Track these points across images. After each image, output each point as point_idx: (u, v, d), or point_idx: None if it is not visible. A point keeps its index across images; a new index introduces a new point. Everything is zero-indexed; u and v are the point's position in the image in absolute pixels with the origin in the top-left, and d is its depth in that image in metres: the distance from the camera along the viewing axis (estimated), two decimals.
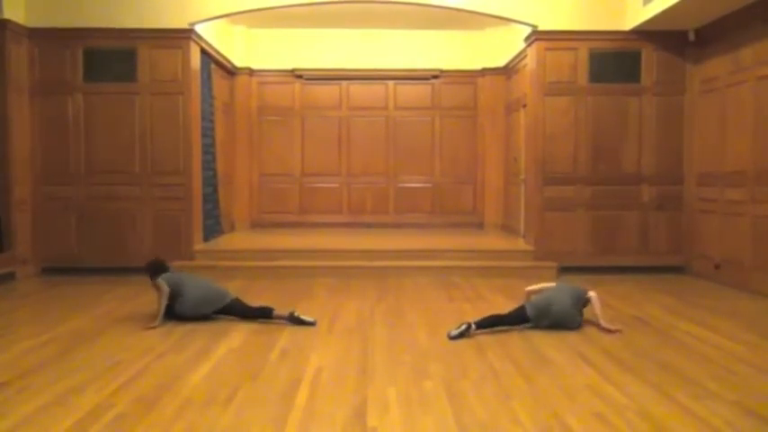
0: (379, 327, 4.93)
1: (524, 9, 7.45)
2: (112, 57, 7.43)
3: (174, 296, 5.03)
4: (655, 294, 6.23)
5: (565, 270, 7.25)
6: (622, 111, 7.51)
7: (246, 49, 9.96)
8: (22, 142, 7.22)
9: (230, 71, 9.79)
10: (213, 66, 8.78)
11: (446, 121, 10.22)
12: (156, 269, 5.12)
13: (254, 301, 5.83)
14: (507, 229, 9.65)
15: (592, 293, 4.89)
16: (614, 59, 7.46)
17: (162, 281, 5.03)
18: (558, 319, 4.76)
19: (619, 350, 4.25)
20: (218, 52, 8.78)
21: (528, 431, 2.94)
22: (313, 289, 6.48)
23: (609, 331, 4.67)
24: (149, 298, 5.95)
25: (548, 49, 7.49)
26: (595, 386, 3.53)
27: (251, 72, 10.09)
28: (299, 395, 3.38)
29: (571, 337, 4.56)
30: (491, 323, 4.72)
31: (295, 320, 4.96)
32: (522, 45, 8.14)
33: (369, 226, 10.05)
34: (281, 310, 5.07)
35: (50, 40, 7.36)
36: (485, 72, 10.00)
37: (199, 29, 7.67)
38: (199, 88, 7.84)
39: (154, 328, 4.83)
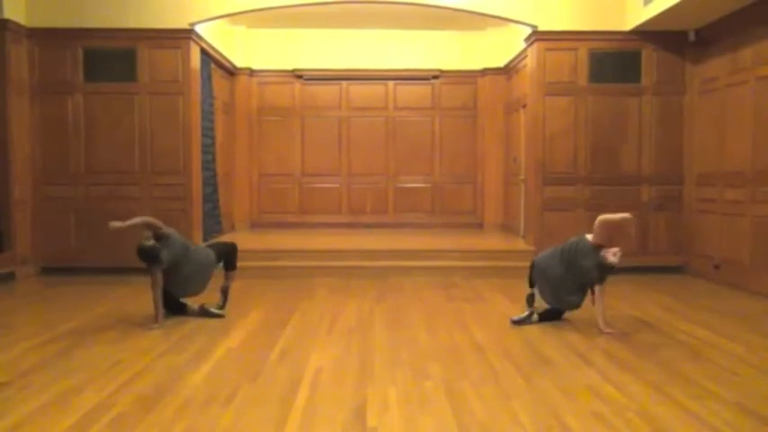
0: (378, 327, 4.94)
1: (524, 9, 7.45)
2: (112, 57, 7.43)
3: (168, 273, 4.98)
4: (654, 294, 6.23)
5: None
6: (622, 111, 7.51)
7: (246, 49, 9.95)
8: (21, 142, 7.22)
9: (230, 71, 9.79)
10: (213, 66, 8.78)
11: (446, 122, 10.21)
12: (152, 257, 4.90)
13: (255, 302, 5.84)
14: (507, 229, 9.65)
15: (596, 289, 4.72)
16: (614, 60, 7.46)
17: (159, 269, 4.87)
18: (552, 288, 4.84)
19: (619, 350, 4.25)
20: (218, 52, 8.77)
21: (528, 431, 2.94)
22: (313, 289, 6.48)
23: (608, 333, 4.67)
24: (148, 298, 5.95)
25: (548, 49, 7.49)
26: (595, 386, 3.53)
27: (251, 72, 10.08)
28: (298, 395, 3.38)
29: (571, 337, 4.56)
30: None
31: (204, 313, 5.19)
32: (523, 45, 8.14)
33: (368, 226, 10.05)
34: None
35: (50, 39, 7.36)
36: (485, 72, 10.00)
37: (199, 29, 7.66)
38: (199, 88, 7.84)
39: (154, 329, 4.83)
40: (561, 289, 4.88)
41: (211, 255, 5.27)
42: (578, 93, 7.51)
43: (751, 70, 6.33)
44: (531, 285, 5.15)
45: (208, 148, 8.33)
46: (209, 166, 8.38)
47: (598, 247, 4.72)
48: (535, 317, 4.97)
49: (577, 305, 4.93)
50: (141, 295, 6.07)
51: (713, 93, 7.03)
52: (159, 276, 4.92)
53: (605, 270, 4.68)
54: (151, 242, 4.92)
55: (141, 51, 7.43)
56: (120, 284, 6.67)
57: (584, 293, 4.90)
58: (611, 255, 4.63)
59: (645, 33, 7.35)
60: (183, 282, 5.11)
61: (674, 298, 6.07)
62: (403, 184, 10.26)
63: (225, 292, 5.34)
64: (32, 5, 7.29)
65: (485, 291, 6.38)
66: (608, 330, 4.66)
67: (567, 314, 5.07)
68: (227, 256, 5.41)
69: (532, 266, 5.11)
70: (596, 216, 7.36)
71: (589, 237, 4.85)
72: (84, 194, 7.48)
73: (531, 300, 5.11)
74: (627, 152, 7.54)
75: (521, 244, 8.10)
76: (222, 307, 5.28)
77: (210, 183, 8.47)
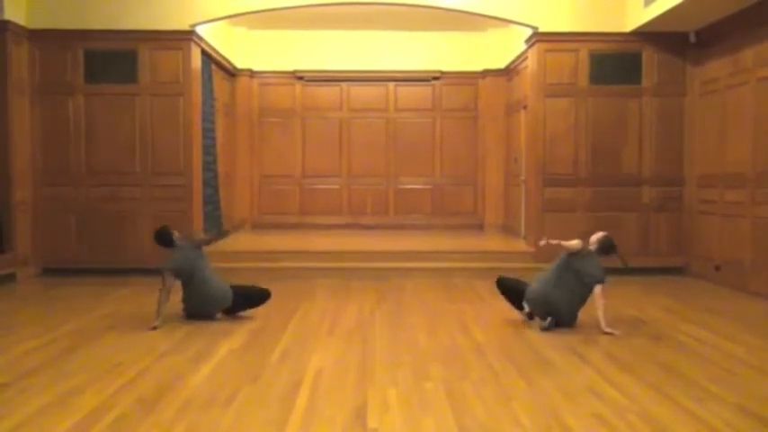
0: (379, 328, 4.94)
1: (525, 10, 7.46)
2: (113, 58, 7.44)
3: (185, 282, 5.06)
4: (655, 296, 6.23)
5: None
6: (623, 112, 7.51)
7: (247, 50, 9.96)
8: (22, 143, 7.22)
9: (231, 72, 9.80)
10: (214, 67, 8.79)
11: (447, 123, 10.22)
12: (163, 240, 5.08)
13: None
14: (508, 230, 9.65)
15: (597, 290, 4.74)
16: (615, 61, 7.47)
17: (170, 271, 4.95)
18: (553, 312, 4.78)
19: (619, 351, 4.25)
20: (218, 54, 8.78)
21: None
22: (313, 290, 6.48)
23: (608, 333, 4.67)
24: (149, 299, 5.96)
25: (548, 50, 7.50)
26: (596, 387, 3.53)
27: (252, 73, 10.09)
28: (299, 396, 3.38)
29: (571, 338, 4.56)
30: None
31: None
32: (523, 47, 8.15)
33: (369, 227, 10.05)
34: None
35: (51, 41, 7.36)
36: (485, 73, 10.00)
37: (199, 30, 7.67)
38: (199, 89, 7.84)
39: (155, 328, 4.84)
40: (566, 310, 4.82)
41: (227, 293, 5.11)
42: (579, 94, 7.51)
43: (751, 71, 6.33)
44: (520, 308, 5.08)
45: (208, 149, 8.34)
46: (209, 167, 8.39)
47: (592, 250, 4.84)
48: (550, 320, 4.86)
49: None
50: (142, 296, 6.08)
51: (714, 94, 7.03)
52: (169, 279, 4.96)
53: (608, 248, 4.85)
54: (174, 232, 5.10)
55: (142, 52, 7.43)
56: (120, 285, 6.68)
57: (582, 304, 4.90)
58: (592, 243, 4.86)
59: (645, 35, 7.35)
60: (185, 296, 5.17)
61: (674, 299, 6.07)
62: (403, 185, 10.26)
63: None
64: (33, 7, 7.30)
65: (485, 292, 6.37)
66: (608, 330, 4.66)
67: None
68: (253, 299, 5.23)
69: (527, 299, 4.96)
70: (597, 217, 7.50)
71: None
72: (85, 195, 7.48)
73: (531, 316, 5.04)
74: (627, 153, 7.54)
75: (521, 245, 8.10)
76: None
77: (211, 184, 8.48)
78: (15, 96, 7.07)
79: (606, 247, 4.87)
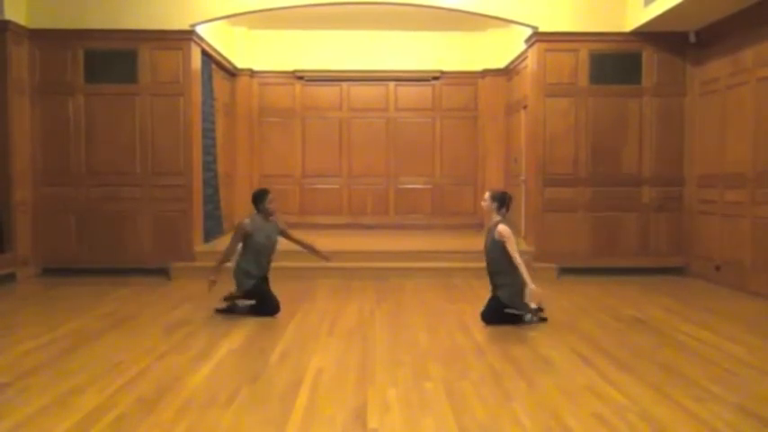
0: (379, 328, 4.94)
1: (525, 10, 7.46)
2: (113, 58, 7.43)
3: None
4: (655, 296, 6.23)
5: (565, 271, 7.26)
6: (623, 112, 7.51)
7: (247, 50, 9.96)
8: (22, 143, 7.22)
9: (231, 72, 9.79)
10: (214, 67, 8.79)
11: (447, 123, 10.22)
12: (256, 198, 5.53)
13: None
14: None
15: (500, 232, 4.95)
16: (615, 61, 7.47)
17: (244, 224, 5.37)
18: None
19: (619, 351, 4.25)
20: (218, 53, 8.78)
21: None
22: (313, 290, 6.49)
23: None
24: (149, 299, 5.98)
25: (548, 50, 7.49)
26: (595, 387, 3.53)
27: (252, 73, 10.09)
28: (299, 397, 3.38)
29: (571, 338, 4.56)
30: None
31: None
32: (523, 46, 8.15)
33: (369, 227, 10.04)
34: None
35: (51, 41, 7.36)
36: (485, 73, 10.00)
37: (199, 30, 7.67)
38: (199, 89, 7.84)
39: (214, 282, 5.23)
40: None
41: (250, 280, 5.32)
42: (579, 94, 7.51)
43: (751, 71, 6.33)
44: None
45: (208, 149, 8.34)
46: (209, 167, 8.39)
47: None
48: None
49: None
50: (142, 296, 6.09)
51: (714, 94, 7.03)
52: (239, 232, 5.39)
53: (504, 199, 5.14)
54: (267, 199, 5.49)
55: (142, 52, 7.43)
56: (120, 285, 6.68)
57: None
58: (492, 209, 5.15)
59: (645, 34, 7.35)
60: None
61: (674, 299, 6.07)
62: (403, 185, 10.26)
63: (230, 297, 5.40)
64: (33, 6, 7.30)
65: (485, 292, 6.35)
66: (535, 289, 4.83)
67: (567, 314, 5.07)
68: (263, 304, 5.33)
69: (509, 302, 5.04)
70: (597, 217, 7.51)
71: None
72: (85, 195, 7.48)
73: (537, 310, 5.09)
74: (627, 153, 7.54)
75: (521, 245, 8.07)
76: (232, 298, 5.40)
77: (211, 184, 8.48)
78: (15, 96, 7.07)
79: (503, 200, 5.06)
